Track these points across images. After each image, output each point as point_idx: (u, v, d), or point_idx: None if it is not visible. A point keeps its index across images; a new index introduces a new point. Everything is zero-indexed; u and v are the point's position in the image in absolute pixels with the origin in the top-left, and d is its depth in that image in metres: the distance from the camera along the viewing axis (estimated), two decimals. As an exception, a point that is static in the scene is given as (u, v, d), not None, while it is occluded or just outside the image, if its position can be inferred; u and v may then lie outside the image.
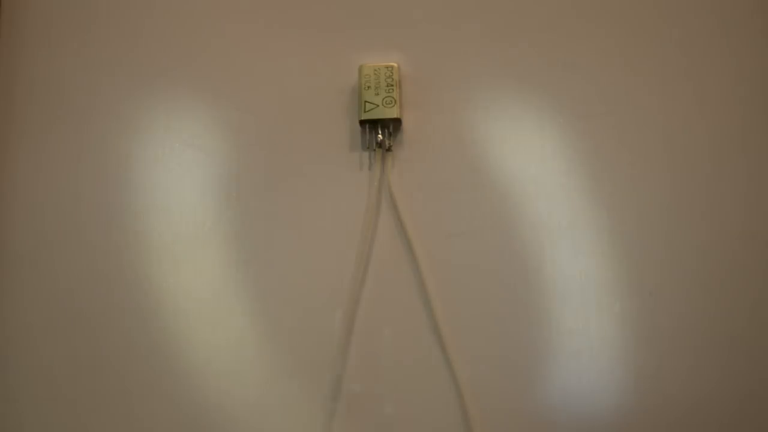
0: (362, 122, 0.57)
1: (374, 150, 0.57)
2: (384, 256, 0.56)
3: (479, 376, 0.54)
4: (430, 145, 0.58)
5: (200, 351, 0.56)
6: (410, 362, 0.55)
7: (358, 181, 0.57)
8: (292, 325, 0.56)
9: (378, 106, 0.57)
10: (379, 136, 0.57)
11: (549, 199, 0.56)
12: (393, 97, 0.57)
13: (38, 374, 0.56)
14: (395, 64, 0.58)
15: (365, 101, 0.57)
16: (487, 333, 0.55)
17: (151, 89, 0.59)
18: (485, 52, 0.59)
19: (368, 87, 0.57)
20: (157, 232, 0.57)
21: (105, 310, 0.56)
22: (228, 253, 0.57)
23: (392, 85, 0.57)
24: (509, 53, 0.59)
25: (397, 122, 0.57)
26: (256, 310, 0.56)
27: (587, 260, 0.55)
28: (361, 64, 0.58)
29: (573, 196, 0.56)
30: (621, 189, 0.56)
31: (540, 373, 0.54)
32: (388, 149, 0.57)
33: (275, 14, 0.60)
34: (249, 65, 0.59)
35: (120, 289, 0.56)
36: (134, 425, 0.55)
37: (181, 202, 0.58)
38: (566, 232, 0.56)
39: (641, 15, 0.58)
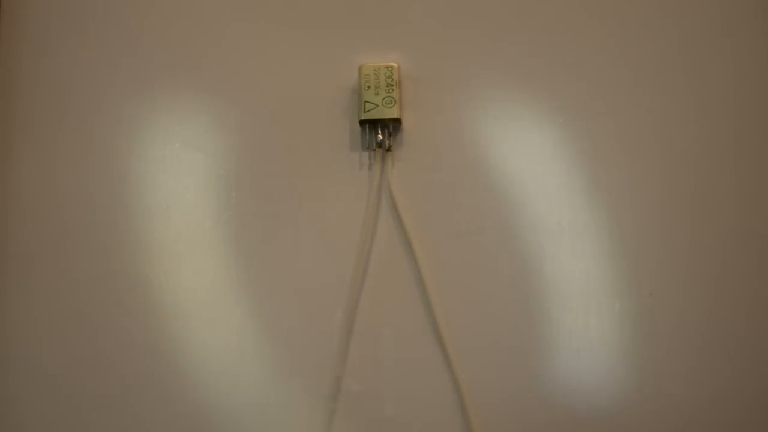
0: (362, 122, 0.57)
1: (374, 150, 0.57)
2: (384, 256, 0.56)
3: (479, 376, 0.54)
4: (430, 145, 0.58)
5: (200, 351, 0.56)
6: (410, 362, 0.55)
7: (358, 181, 0.57)
8: (292, 325, 0.56)
9: (378, 106, 0.57)
10: (379, 136, 0.57)
11: (549, 199, 0.56)
12: (393, 97, 0.57)
13: (38, 374, 0.56)
14: (395, 64, 0.58)
15: (365, 101, 0.57)
16: (487, 333, 0.55)
17: (152, 89, 0.59)
18: (485, 52, 0.59)
19: (368, 87, 0.57)
20: (157, 232, 0.57)
21: (105, 309, 0.56)
22: (228, 253, 0.57)
23: (392, 85, 0.57)
24: (509, 53, 0.59)
25: (397, 122, 0.57)
26: (256, 310, 0.56)
27: (587, 260, 0.55)
28: (361, 64, 0.58)
29: (573, 196, 0.56)
30: (621, 189, 0.56)
31: (540, 373, 0.54)
32: (388, 149, 0.57)
33: (275, 14, 0.60)
34: (249, 65, 0.59)
35: (120, 289, 0.56)
36: (134, 425, 0.55)
37: (181, 202, 0.58)
38: (566, 232, 0.56)
39: (641, 15, 0.58)
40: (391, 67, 0.57)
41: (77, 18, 0.61)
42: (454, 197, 0.57)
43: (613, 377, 0.54)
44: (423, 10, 0.60)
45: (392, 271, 0.56)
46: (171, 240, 0.57)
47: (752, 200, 0.56)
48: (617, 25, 0.59)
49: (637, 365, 0.54)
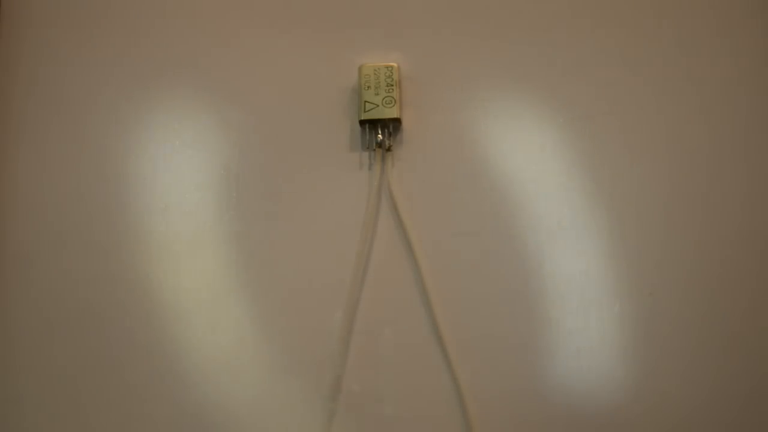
0: (362, 122, 0.57)
1: (374, 150, 0.57)
2: (384, 256, 0.56)
3: (479, 376, 0.54)
4: (430, 145, 0.58)
5: (200, 351, 0.56)
6: (410, 362, 0.55)
7: (358, 181, 0.57)
8: (292, 326, 0.56)
9: (378, 106, 0.57)
10: (379, 136, 0.57)
11: (549, 199, 0.56)
12: (393, 97, 0.57)
13: (39, 374, 0.56)
14: (395, 64, 0.58)
15: (365, 101, 0.57)
16: (487, 333, 0.55)
17: (151, 89, 0.59)
18: (485, 52, 0.59)
19: (368, 87, 0.57)
20: (157, 231, 0.57)
21: (105, 309, 0.56)
22: (228, 253, 0.57)
23: (392, 85, 0.57)
24: (509, 53, 0.59)
25: (396, 122, 0.57)
26: (256, 310, 0.56)
27: (587, 260, 0.55)
28: (361, 64, 0.58)
29: (573, 196, 0.56)
30: (621, 189, 0.56)
31: (540, 373, 0.54)
32: (388, 149, 0.57)
33: (275, 14, 0.60)
34: (249, 65, 0.59)
35: (120, 289, 0.56)
36: (134, 424, 0.55)
37: (181, 202, 0.58)
38: (566, 232, 0.56)
39: (641, 15, 0.58)
40: (391, 67, 0.57)
41: (77, 17, 0.61)
42: (454, 197, 0.57)
43: (612, 377, 0.54)
44: (423, 10, 0.60)
45: (392, 271, 0.56)
46: (171, 240, 0.57)
47: (752, 200, 0.56)
48: (617, 25, 0.59)
49: (636, 365, 0.54)
